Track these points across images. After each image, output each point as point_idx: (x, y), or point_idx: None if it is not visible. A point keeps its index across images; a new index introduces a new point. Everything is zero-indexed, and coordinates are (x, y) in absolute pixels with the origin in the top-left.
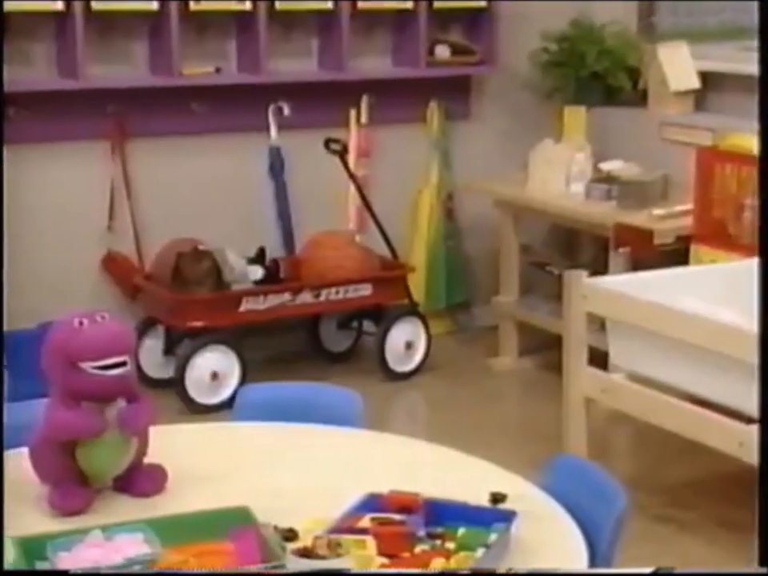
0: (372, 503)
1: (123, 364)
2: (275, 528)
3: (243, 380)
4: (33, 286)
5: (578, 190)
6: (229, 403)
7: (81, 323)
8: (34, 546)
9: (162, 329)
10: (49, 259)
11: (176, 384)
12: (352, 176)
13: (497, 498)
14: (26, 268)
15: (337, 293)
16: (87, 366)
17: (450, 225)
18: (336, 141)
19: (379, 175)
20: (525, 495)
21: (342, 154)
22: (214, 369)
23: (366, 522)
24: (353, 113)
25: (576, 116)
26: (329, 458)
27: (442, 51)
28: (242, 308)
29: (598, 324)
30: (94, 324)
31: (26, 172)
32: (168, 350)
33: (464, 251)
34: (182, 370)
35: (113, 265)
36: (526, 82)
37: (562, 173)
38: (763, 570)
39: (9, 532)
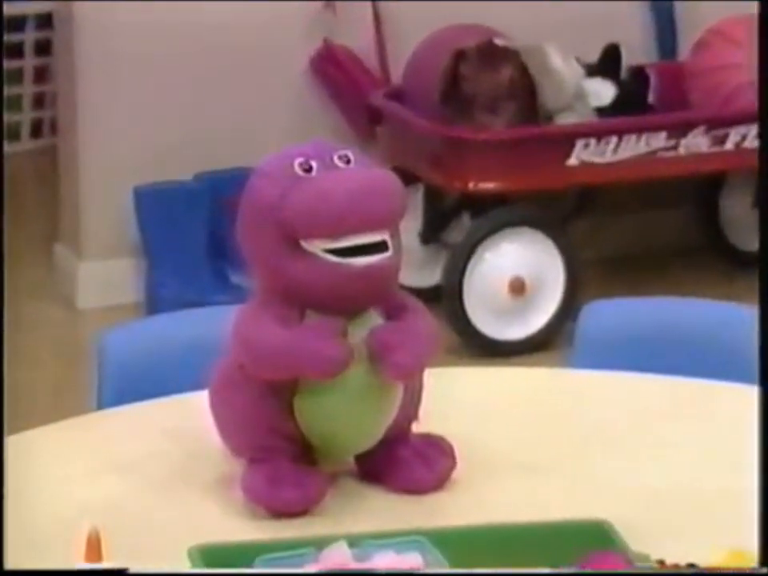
0: None
1: (381, 246)
2: (661, 563)
3: (572, 294)
4: (183, 111)
5: None
6: (544, 337)
7: (307, 168)
8: (231, 562)
9: (422, 193)
10: (212, 59)
11: (447, 298)
12: None
13: None
14: (173, 79)
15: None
16: (317, 246)
17: None
18: None
19: None
20: None
21: None
22: (516, 272)
23: None
24: None
25: None
26: (746, 441)
27: None
28: (573, 159)
29: None
30: (330, 170)
31: None
32: (431, 235)
33: None
34: (458, 271)
35: (332, 68)
36: None
37: None
38: (763, 570)
39: (185, 537)
